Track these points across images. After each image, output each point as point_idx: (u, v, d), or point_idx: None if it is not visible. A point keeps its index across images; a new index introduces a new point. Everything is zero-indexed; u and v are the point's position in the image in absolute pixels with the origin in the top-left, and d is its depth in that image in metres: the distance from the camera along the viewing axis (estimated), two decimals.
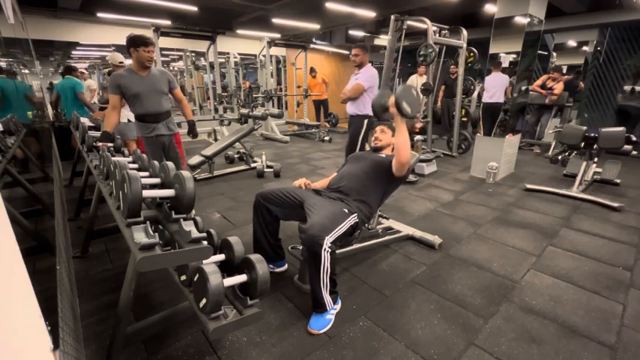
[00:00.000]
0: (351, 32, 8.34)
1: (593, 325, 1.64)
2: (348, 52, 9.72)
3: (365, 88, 3.13)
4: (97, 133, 2.59)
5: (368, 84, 3.12)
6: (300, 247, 1.98)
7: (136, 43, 2.29)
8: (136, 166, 1.69)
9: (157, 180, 1.42)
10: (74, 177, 3.85)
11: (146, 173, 1.53)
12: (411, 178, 4.01)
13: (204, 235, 1.19)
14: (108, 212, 2.59)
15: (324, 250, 1.53)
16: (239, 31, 7.78)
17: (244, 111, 4.56)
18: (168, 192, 1.28)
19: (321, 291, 1.59)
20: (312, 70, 7.66)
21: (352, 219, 1.75)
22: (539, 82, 5.64)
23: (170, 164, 1.40)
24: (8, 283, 0.61)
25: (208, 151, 4.05)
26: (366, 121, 3.18)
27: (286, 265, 2.12)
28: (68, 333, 0.99)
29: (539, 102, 5.72)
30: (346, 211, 1.76)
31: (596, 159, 3.65)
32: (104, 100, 4.62)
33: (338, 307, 1.74)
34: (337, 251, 2.07)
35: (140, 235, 1.12)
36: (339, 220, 1.67)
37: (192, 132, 2.84)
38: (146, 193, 1.23)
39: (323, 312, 1.64)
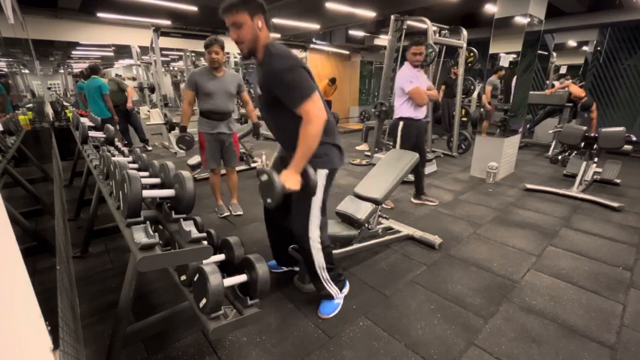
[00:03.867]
0: (351, 32, 8.34)
1: (593, 325, 1.64)
2: (348, 52, 9.73)
3: None
4: (98, 134, 2.59)
5: None
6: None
7: (205, 46, 2.53)
8: (136, 166, 1.69)
9: (157, 180, 1.42)
10: (74, 177, 3.85)
11: (146, 173, 1.53)
12: (411, 177, 4.00)
13: (204, 235, 1.19)
14: (108, 212, 2.59)
15: (312, 247, 1.57)
16: None
17: (244, 111, 4.56)
18: (168, 192, 1.28)
19: (324, 286, 1.67)
20: (333, 81, 7.50)
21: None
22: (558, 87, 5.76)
23: (170, 164, 1.40)
24: (8, 283, 0.61)
25: None
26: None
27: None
28: (68, 333, 0.99)
29: (538, 102, 5.74)
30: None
31: (596, 159, 3.65)
32: None
33: (346, 290, 1.83)
34: (337, 251, 2.07)
35: (140, 235, 1.12)
36: (304, 208, 1.53)
37: (257, 133, 3.13)
38: (146, 193, 1.23)
39: (331, 299, 1.72)
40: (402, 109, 2.96)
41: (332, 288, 1.69)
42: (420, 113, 2.96)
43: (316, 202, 1.52)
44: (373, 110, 4.52)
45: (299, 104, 1.30)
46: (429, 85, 3.01)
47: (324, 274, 1.64)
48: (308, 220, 1.54)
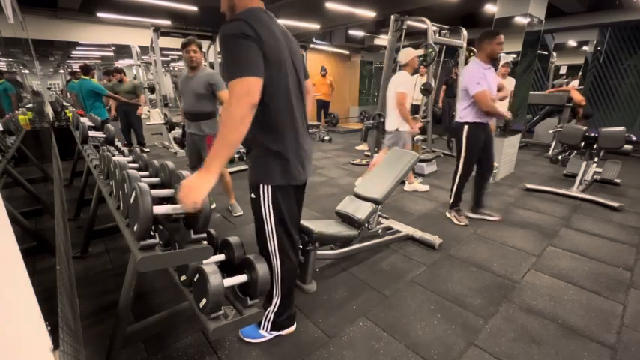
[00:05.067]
0: (351, 32, 8.34)
1: (593, 325, 1.64)
2: (348, 52, 9.73)
3: None
4: (98, 134, 2.59)
5: None
6: (300, 247, 1.98)
7: (182, 45, 2.52)
8: (136, 165, 1.69)
9: (157, 180, 1.42)
10: (74, 177, 3.85)
11: (146, 173, 1.53)
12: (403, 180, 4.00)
13: (204, 235, 1.18)
14: (108, 212, 2.60)
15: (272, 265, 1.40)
16: None
17: None
18: (168, 192, 1.27)
19: (265, 311, 1.49)
20: (322, 69, 7.49)
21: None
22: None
23: (170, 164, 1.40)
24: (8, 283, 0.61)
25: None
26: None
27: None
28: (68, 333, 0.99)
29: (538, 102, 5.73)
30: (253, 196, 1.34)
31: (596, 159, 3.65)
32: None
33: (286, 331, 1.56)
34: (337, 251, 2.08)
35: None
36: (257, 220, 1.38)
37: None
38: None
39: (259, 327, 1.52)
40: (467, 112, 2.59)
41: (266, 319, 1.50)
42: (488, 117, 2.59)
43: (268, 218, 1.31)
44: (372, 122, 4.47)
45: (227, 82, 1.05)
46: (499, 82, 2.64)
47: (274, 301, 1.46)
48: (263, 233, 1.35)
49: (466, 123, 2.62)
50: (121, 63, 13.68)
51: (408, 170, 2.34)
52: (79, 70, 4.55)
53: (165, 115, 5.46)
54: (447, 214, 2.97)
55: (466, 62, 4.93)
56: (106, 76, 5.54)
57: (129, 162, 1.73)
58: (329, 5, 5.78)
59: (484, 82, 2.47)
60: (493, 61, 2.57)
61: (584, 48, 7.09)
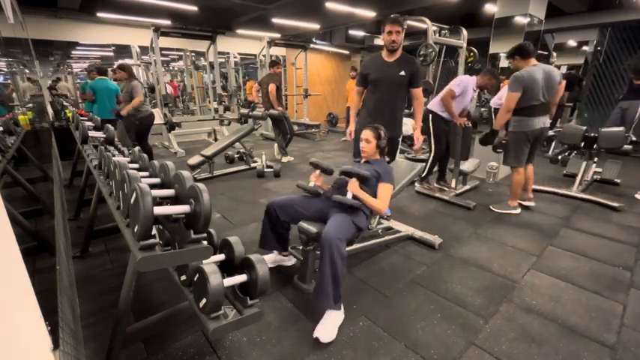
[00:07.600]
0: (351, 32, 8.35)
1: (593, 325, 1.64)
2: (348, 52, 9.73)
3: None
4: (99, 134, 2.59)
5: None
6: (300, 247, 1.98)
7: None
8: (136, 165, 1.68)
9: (156, 180, 1.42)
10: (74, 177, 3.85)
11: (146, 173, 1.53)
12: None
13: (204, 235, 1.19)
14: (108, 212, 2.59)
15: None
16: (239, 31, 7.79)
17: (244, 111, 4.55)
18: (169, 192, 1.27)
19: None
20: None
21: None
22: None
23: (170, 164, 1.40)
24: (8, 283, 0.61)
25: (208, 151, 4.05)
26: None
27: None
28: (68, 333, 0.99)
29: None
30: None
31: (596, 159, 3.65)
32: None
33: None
34: None
35: None
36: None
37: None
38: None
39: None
40: (434, 102, 3.31)
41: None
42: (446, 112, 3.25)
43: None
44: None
45: None
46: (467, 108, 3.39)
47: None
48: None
49: (430, 112, 3.25)
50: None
51: (410, 179, 2.38)
52: (94, 70, 4.62)
53: (165, 115, 5.46)
54: (417, 184, 3.51)
55: (466, 62, 4.94)
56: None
57: (129, 162, 1.73)
58: (329, 5, 5.79)
59: (459, 90, 3.07)
60: (481, 90, 3.30)
61: (584, 48, 7.09)
